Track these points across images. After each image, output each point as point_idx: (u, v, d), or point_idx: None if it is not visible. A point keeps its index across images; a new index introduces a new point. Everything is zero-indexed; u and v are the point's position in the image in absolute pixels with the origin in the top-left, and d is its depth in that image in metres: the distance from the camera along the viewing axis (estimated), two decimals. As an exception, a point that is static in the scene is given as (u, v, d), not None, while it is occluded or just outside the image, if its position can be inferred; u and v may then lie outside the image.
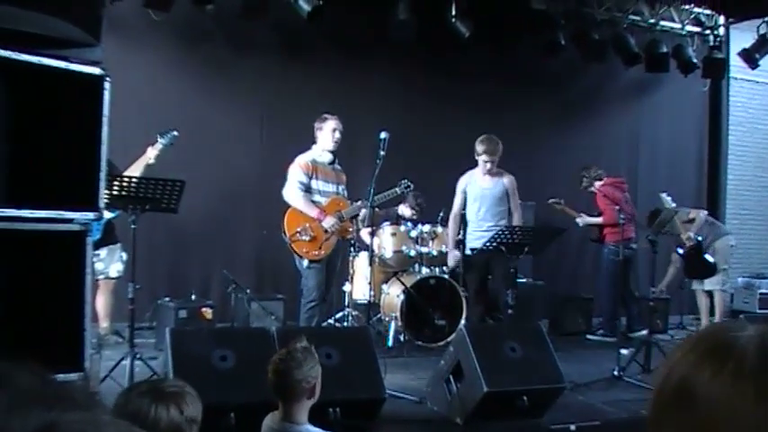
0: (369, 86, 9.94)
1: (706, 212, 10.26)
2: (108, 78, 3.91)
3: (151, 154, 7.20)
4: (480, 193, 8.14)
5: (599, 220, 9.63)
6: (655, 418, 1.17)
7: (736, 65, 11.77)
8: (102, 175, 3.60)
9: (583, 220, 9.73)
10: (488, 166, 7.99)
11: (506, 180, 8.12)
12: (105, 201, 5.61)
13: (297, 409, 3.44)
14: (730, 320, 1.22)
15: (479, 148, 8.00)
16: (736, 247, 10.33)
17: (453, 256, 8.34)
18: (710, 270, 9.64)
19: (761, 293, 11.67)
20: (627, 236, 8.84)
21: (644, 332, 8.71)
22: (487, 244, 7.45)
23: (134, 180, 6.12)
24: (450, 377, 5.54)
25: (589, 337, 9.84)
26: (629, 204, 9.62)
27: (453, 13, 9.70)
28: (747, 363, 1.08)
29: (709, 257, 9.65)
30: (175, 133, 7.29)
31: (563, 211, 9.74)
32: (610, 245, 9.44)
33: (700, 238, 9.67)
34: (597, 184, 9.61)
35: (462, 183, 8.24)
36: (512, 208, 8.15)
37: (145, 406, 2.36)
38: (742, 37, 11.82)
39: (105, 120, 3.68)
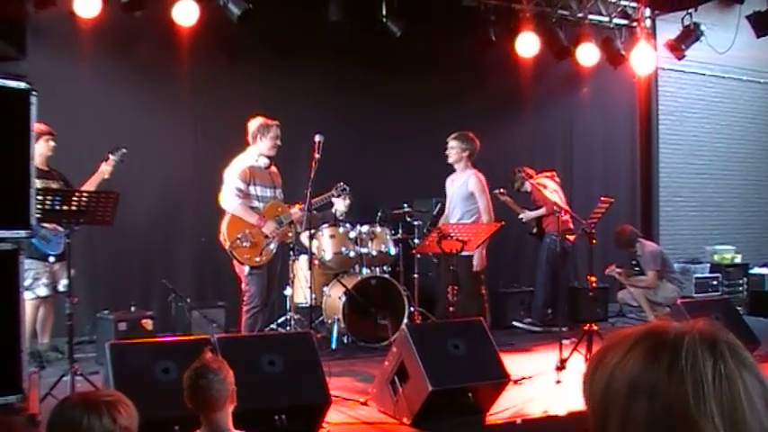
0: (302, 88, 9.84)
1: (653, 272, 10.09)
2: (35, 92, 3.83)
3: (106, 170, 7.19)
4: (449, 192, 8.38)
5: (542, 211, 9.71)
6: (600, 419, 1.19)
7: (664, 55, 11.97)
8: (32, 191, 3.52)
9: (526, 215, 9.80)
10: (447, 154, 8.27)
11: (470, 180, 8.24)
12: (38, 215, 5.56)
13: (221, 417, 3.47)
14: (661, 319, 1.25)
15: None
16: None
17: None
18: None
19: (696, 278, 11.90)
20: (565, 226, 8.91)
21: (564, 328, 8.86)
22: None
23: (66, 193, 6.02)
24: (395, 377, 5.54)
25: (515, 324, 9.94)
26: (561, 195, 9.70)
27: (384, 12, 9.73)
28: (698, 360, 1.12)
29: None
30: (125, 150, 7.30)
31: (506, 203, 9.70)
32: (552, 235, 9.41)
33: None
34: (530, 181, 9.66)
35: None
36: (480, 208, 8.26)
37: (77, 417, 2.36)
38: (668, 28, 12.04)
39: (33, 134, 3.60)
